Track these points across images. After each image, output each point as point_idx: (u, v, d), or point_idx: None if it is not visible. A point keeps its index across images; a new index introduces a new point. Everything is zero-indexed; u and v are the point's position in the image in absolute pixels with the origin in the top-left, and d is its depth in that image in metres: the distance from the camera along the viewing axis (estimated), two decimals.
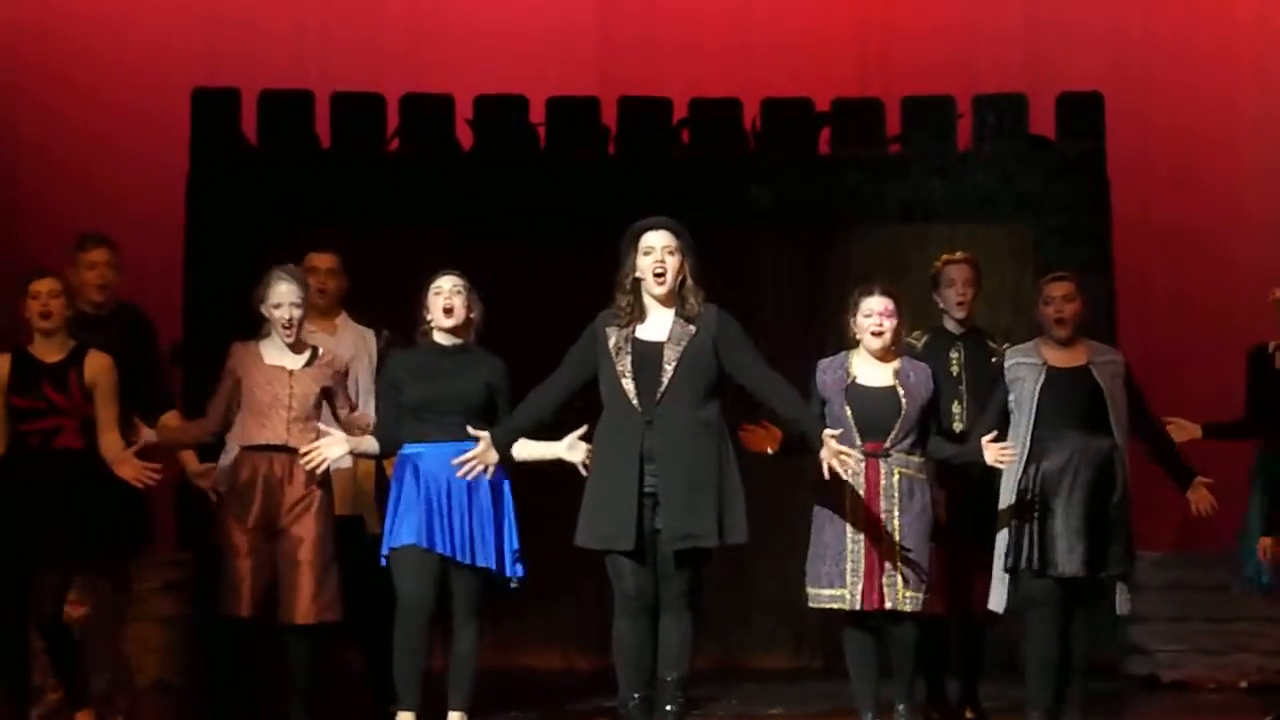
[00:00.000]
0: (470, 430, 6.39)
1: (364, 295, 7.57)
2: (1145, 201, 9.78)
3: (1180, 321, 7.90)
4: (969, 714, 7.30)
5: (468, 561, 6.51)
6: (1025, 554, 6.77)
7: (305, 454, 6.58)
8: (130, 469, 6.69)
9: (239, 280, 8.13)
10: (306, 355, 6.85)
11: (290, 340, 6.81)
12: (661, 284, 6.27)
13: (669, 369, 6.21)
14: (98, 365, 6.79)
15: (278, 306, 6.80)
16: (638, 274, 6.29)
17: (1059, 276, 7.05)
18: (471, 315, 6.67)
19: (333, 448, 6.57)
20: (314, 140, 9.38)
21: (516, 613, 7.01)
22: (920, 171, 9.36)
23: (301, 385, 6.78)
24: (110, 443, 6.76)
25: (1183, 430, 7.28)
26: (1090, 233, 9.21)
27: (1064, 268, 8.62)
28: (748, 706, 7.78)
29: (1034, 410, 6.82)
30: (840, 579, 6.56)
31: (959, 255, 7.42)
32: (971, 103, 9.45)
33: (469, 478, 6.37)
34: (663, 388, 6.20)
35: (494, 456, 6.32)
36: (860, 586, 6.52)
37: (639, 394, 6.21)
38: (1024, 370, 6.89)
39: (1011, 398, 6.89)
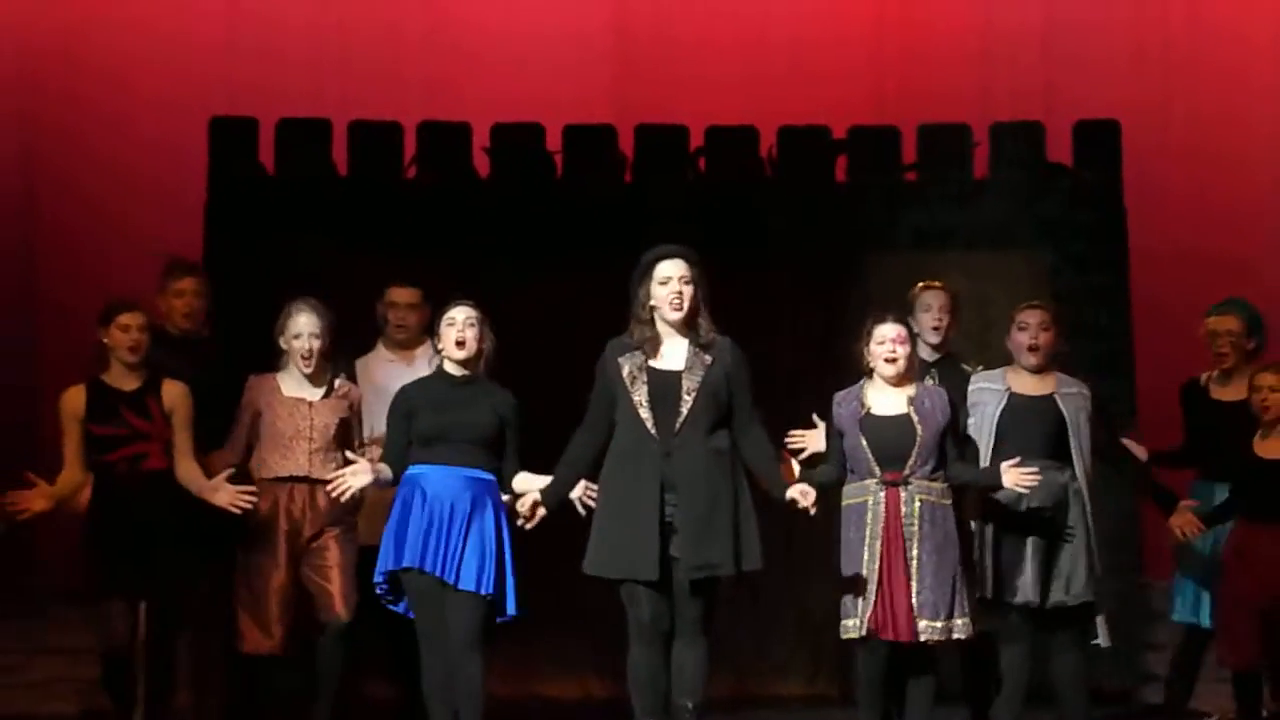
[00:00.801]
0: (517, 487, 6.48)
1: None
2: (1162, 229, 9.76)
3: (1198, 349, 7.87)
4: None
5: (465, 587, 6.46)
6: (985, 583, 6.81)
7: (332, 482, 6.57)
8: (224, 495, 6.72)
9: (257, 308, 8.19)
10: (324, 387, 6.86)
11: (308, 371, 6.83)
12: (678, 312, 6.29)
13: (688, 399, 6.24)
14: (175, 392, 6.88)
15: (297, 337, 6.84)
16: (653, 303, 6.31)
17: (1034, 305, 7.10)
18: (483, 346, 6.67)
19: (358, 476, 6.55)
20: (332, 168, 9.40)
21: (530, 640, 7.01)
22: (937, 199, 9.35)
23: (321, 416, 6.82)
24: (189, 470, 6.82)
25: (1135, 450, 7.29)
26: (1107, 260, 9.19)
27: (1081, 296, 8.68)
28: None
29: (992, 435, 6.86)
30: (854, 608, 6.56)
31: (935, 282, 7.40)
32: (988, 131, 9.45)
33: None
34: (682, 418, 6.24)
35: (543, 513, 6.37)
36: (869, 613, 6.52)
37: (657, 424, 6.23)
38: (986, 395, 6.94)
39: (971, 421, 6.90)
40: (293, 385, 6.86)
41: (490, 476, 6.59)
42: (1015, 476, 6.62)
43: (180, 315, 7.36)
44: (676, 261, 6.33)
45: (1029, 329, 6.99)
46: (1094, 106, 9.59)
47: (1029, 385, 6.96)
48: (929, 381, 7.03)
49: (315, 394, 6.86)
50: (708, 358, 6.29)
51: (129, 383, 6.84)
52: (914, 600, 6.53)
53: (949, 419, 6.69)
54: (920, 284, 7.40)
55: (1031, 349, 6.96)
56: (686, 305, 6.29)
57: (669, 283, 6.30)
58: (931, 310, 7.31)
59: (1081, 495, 6.88)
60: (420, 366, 7.40)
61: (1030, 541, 6.82)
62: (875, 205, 9.36)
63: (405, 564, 6.50)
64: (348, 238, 9.10)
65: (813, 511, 6.32)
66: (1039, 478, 6.66)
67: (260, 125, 9.36)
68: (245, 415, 6.86)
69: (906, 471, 6.59)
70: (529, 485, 6.55)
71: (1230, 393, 7.54)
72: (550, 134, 9.45)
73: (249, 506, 6.73)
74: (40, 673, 7.86)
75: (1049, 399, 6.92)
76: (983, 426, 6.91)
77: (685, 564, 6.20)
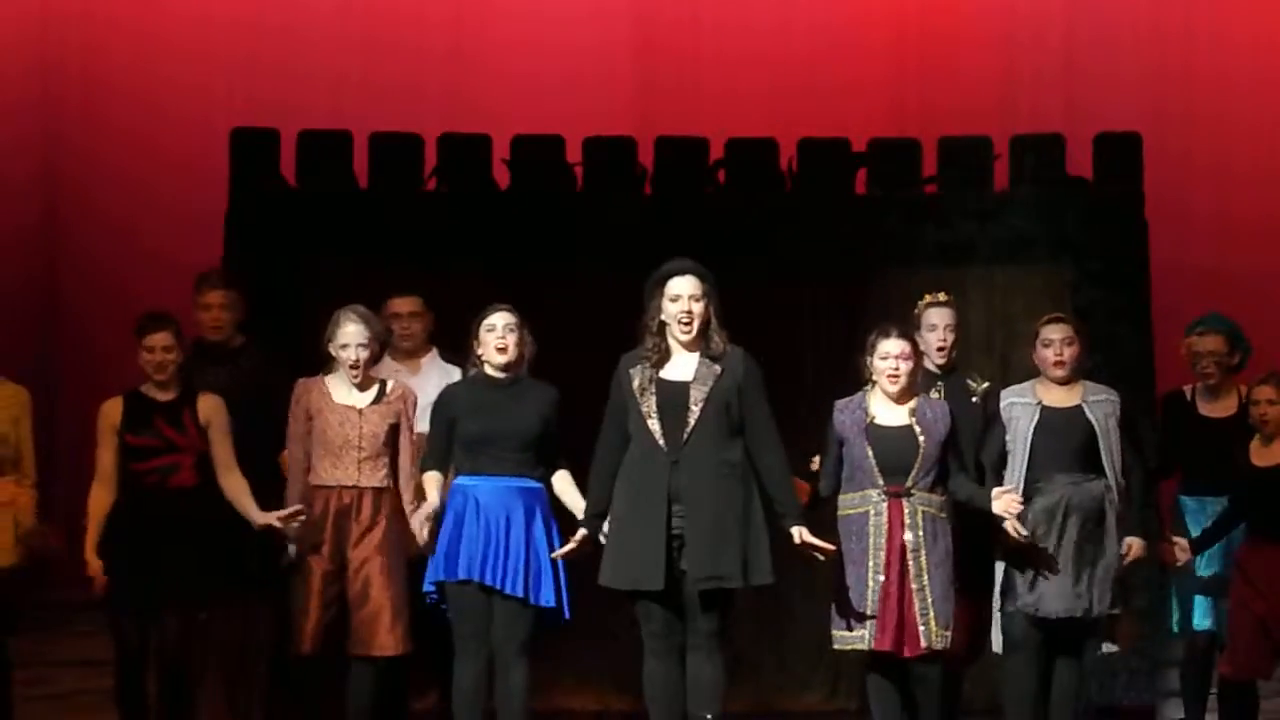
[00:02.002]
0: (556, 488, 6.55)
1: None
2: (1184, 243, 9.73)
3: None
4: None
5: (517, 594, 6.53)
6: (1016, 594, 6.82)
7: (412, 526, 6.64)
8: (270, 518, 6.74)
9: (278, 320, 8.21)
10: (374, 392, 6.91)
11: (356, 380, 6.88)
12: (687, 332, 6.33)
13: (695, 409, 6.26)
14: (210, 405, 6.93)
15: (344, 347, 6.89)
16: (663, 318, 6.34)
17: (1057, 318, 7.13)
18: (524, 351, 6.74)
19: (422, 526, 6.61)
20: (352, 180, 9.41)
21: (549, 653, 7.00)
22: (957, 213, 9.33)
23: (371, 424, 6.86)
24: (236, 485, 6.85)
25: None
26: (1128, 275, 9.16)
27: (1102, 310, 8.65)
28: None
29: (1028, 450, 6.88)
30: (860, 621, 6.56)
31: (941, 297, 7.29)
32: (1009, 144, 9.43)
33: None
34: (689, 428, 6.25)
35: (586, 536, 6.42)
36: (876, 626, 6.54)
37: (665, 434, 6.25)
38: (1019, 410, 6.96)
39: (1008, 438, 6.90)
40: (342, 392, 6.90)
41: (538, 485, 6.66)
42: (1005, 503, 6.64)
43: (209, 328, 7.43)
44: (688, 279, 6.35)
45: (1054, 344, 7.01)
46: (1115, 119, 9.57)
47: (1058, 398, 6.99)
48: (935, 395, 7.03)
49: (364, 400, 6.90)
50: (718, 369, 6.31)
51: (165, 395, 6.89)
52: (930, 611, 6.54)
53: (950, 431, 6.70)
54: (926, 300, 7.28)
55: (1058, 363, 6.98)
56: (696, 324, 6.32)
57: (679, 300, 6.33)
58: (937, 330, 7.19)
59: (1113, 505, 6.90)
60: (429, 373, 7.44)
61: (1064, 553, 6.82)
62: (895, 218, 9.34)
63: (461, 576, 6.56)
64: (368, 250, 9.11)
65: (821, 558, 6.36)
66: (1022, 506, 6.69)
67: (281, 138, 9.38)
68: (301, 420, 6.88)
69: (909, 483, 6.61)
70: (567, 495, 6.64)
71: (1219, 409, 7.52)
72: (570, 146, 9.46)
73: (298, 524, 6.76)
74: (63, 685, 7.88)
75: (1077, 409, 6.95)
76: (1016, 442, 6.94)
77: (693, 576, 6.22)
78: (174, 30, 10.06)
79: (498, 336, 6.69)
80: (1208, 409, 7.54)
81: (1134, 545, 6.99)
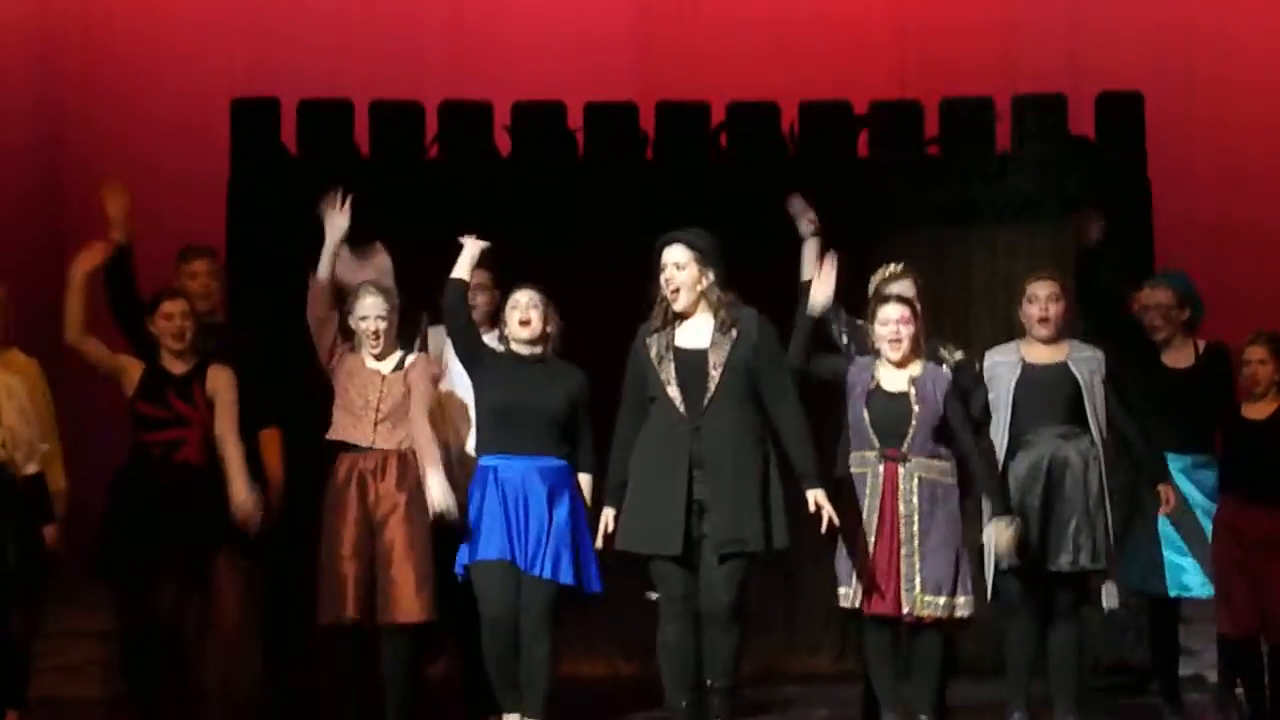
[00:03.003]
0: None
1: (402, 301, 7.59)
2: (1187, 201, 9.73)
3: (1223, 322, 7.85)
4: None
5: (547, 576, 6.60)
6: (1010, 558, 6.84)
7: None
8: (248, 504, 6.82)
9: (278, 289, 8.20)
10: (395, 360, 6.96)
11: (375, 351, 6.93)
12: (675, 300, 6.35)
13: (715, 375, 6.32)
14: (219, 377, 6.98)
15: (364, 319, 6.96)
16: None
17: (1044, 276, 7.12)
18: (549, 329, 6.82)
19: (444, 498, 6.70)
20: (354, 149, 9.40)
21: (558, 620, 7.04)
22: (960, 174, 9.33)
23: (392, 391, 6.88)
24: (232, 454, 6.90)
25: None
26: (1132, 233, 9.15)
27: (1107, 269, 8.63)
28: (792, 710, 7.77)
29: (1010, 407, 6.90)
30: (849, 579, 6.61)
31: (896, 269, 7.23)
32: (1011, 104, 9.41)
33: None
34: (709, 394, 6.31)
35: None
36: (864, 586, 6.60)
37: (685, 401, 6.27)
38: (1001, 369, 7.00)
39: (991, 396, 6.91)
40: (371, 360, 7.00)
41: (563, 463, 6.71)
42: (1001, 540, 6.69)
43: (197, 297, 7.40)
44: (674, 247, 6.43)
45: (1039, 301, 7.03)
46: (1118, 78, 9.55)
47: (1042, 355, 7.03)
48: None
49: (387, 368, 6.97)
50: (733, 333, 6.36)
51: (179, 366, 6.93)
52: (917, 577, 6.58)
53: (949, 405, 6.71)
54: (881, 273, 7.23)
55: (1042, 320, 7.01)
56: (684, 291, 6.37)
57: (665, 269, 6.41)
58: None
59: (1099, 461, 6.93)
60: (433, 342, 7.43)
61: (1052, 509, 6.86)
62: (898, 181, 9.34)
63: (488, 557, 6.62)
64: (370, 218, 9.08)
65: (826, 525, 6.39)
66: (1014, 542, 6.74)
67: (282, 107, 9.36)
68: (331, 354, 6.96)
69: (904, 449, 6.65)
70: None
71: (1177, 361, 7.50)
72: (571, 112, 9.45)
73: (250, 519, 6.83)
74: (70, 657, 7.90)
75: (1063, 366, 6.98)
76: (999, 399, 6.97)
77: (714, 540, 6.25)
78: None
79: (521, 312, 6.80)
80: (1166, 361, 7.52)
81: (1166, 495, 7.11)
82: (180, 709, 6.89)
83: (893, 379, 6.74)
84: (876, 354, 6.79)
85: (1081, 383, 6.96)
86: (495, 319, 7.27)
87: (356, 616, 6.80)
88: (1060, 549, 6.85)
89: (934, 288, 7.32)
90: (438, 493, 6.70)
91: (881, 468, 6.63)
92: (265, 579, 7.63)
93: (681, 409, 6.29)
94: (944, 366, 6.98)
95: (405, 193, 9.25)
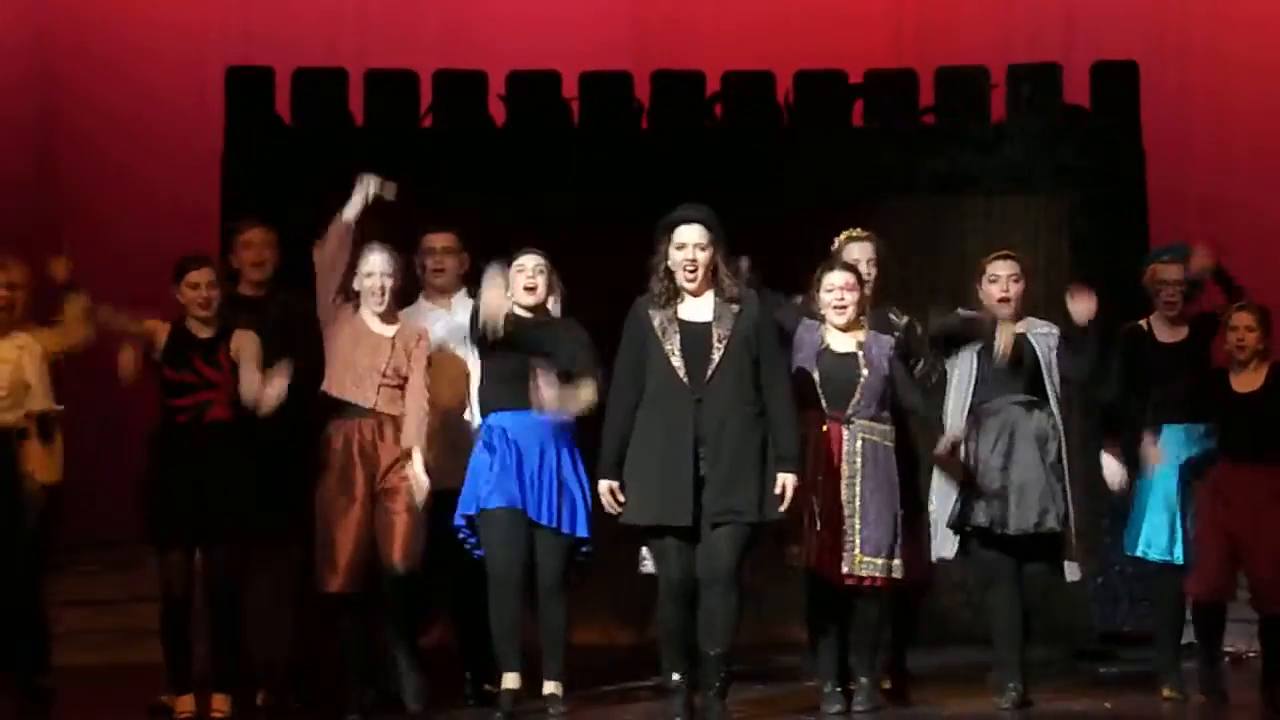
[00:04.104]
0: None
1: None
2: (1182, 171, 9.73)
3: (1218, 292, 7.85)
4: (885, 684, 7.15)
5: (565, 531, 6.67)
6: (974, 515, 6.91)
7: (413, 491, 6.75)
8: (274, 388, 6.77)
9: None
10: (398, 325, 6.98)
11: (380, 309, 6.92)
12: (692, 280, 6.44)
13: (719, 348, 6.37)
14: (243, 338, 6.94)
15: (369, 275, 6.93)
16: (669, 264, 6.43)
17: (1005, 255, 7.12)
18: (553, 292, 6.86)
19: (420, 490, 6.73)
20: (348, 118, 9.39)
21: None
22: (954, 143, 9.33)
23: (398, 356, 6.90)
24: (252, 381, 6.83)
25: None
26: (1126, 203, 9.17)
27: (1101, 240, 8.62)
28: (785, 679, 7.78)
29: (973, 379, 6.94)
30: (798, 534, 6.68)
31: (859, 232, 7.21)
32: (1006, 74, 9.41)
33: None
34: (713, 366, 6.36)
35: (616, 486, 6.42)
36: (810, 546, 6.65)
37: (689, 372, 6.32)
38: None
39: (955, 370, 7.01)
40: (375, 322, 6.97)
41: (569, 418, 6.70)
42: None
43: (250, 266, 7.34)
44: (694, 228, 6.43)
45: (1000, 281, 7.03)
46: (1112, 48, 9.54)
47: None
48: None
49: (391, 331, 6.95)
50: (735, 309, 6.41)
51: (205, 331, 6.93)
52: (857, 537, 6.66)
53: (893, 365, 6.80)
54: (845, 234, 7.22)
55: (1003, 300, 7.01)
56: (700, 272, 6.41)
57: (684, 249, 6.42)
58: (860, 264, 7.09)
59: (1058, 431, 6.98)
60: (458, 311, 7.39)
61: (1015, 473, 6.91)
62: (893, 150, 9.34)
63: (494, 505, 6.63)
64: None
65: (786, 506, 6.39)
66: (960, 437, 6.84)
67: (276, 76, 9.35)
68: (335, 316, 6.94)
69: (850, 411, 6.72)
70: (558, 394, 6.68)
71: (1174, 335, 7.50)
72: (566, 81, 9.44)
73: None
74: (65, 625, 7.90)
75: (1022, 339, 6.97)
76: (962, 372, 7.01)
77: (711, 510, 6.30)
78: None
79: (527, 277, 6.83)
80: (1165, 336, 7.53)
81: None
82: (224, 670, 6.89)
83: (842, 340, 6.83)
84: (823, 319, 6.83)
85: (1041, 357, 6.99)
86: (465, 281, 7.27)
87: (353, 589, 6.80)
88: (1025, 512, 6.88)
89: (929, 255, 7.32)
90: (421, 480, 6.73)
91: (826, 429, 6.71)
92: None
93: (685, 380, 6.34)
94: (895, 333, 7.01)
95: (400, 162, 9.22)
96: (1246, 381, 7.13)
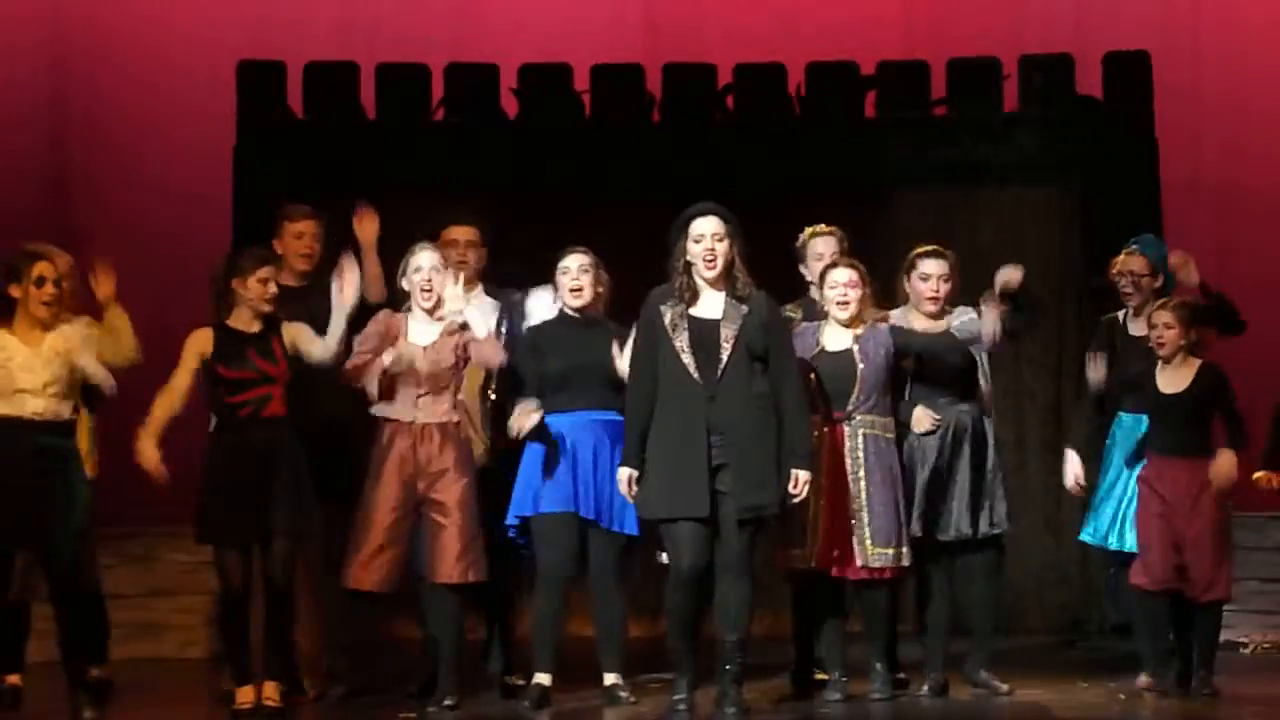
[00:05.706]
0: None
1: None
2: (1194, 162, 9.72)
3: (1229, 282, 7.84)
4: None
5: (618, 529, 6.77)
6: (914, 520, 6.92)
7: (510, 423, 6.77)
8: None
9: None
10: (439, 327, 6.94)
11: (429, 305, 6.90)
12: (712, 269, 6.49)
13: (728, 345, 6.44)
14: (294, 329, 6.92)
15: (418, 270, 6.91)
16: (689, 258, 6.48)
17: (935, 252, 7.10)
18: (599, 290, 6.90)
19: (528, 418, 6.73)
20: (360, 112, 9.41)
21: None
22: (966, 134, 9.33)
23: (434, 360, 6.88)
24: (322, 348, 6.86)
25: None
26: (1138, 194, 9.16)
27: (1113, 230, 8.59)
28: (763, 672, 7.78)
29: (908, 376, 6.98)
30: (801, 538, 6.74)
31: (824, 228, 7.23)
32: (1018, 64, 9.41)
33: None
34: (723, 363, 6.43)
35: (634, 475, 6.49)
36: (818, 547, 6.74)
37: (699, 369, 6.39)
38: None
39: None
40: (415, 328, 6.94)
41: (620, 417, 6.70)
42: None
43: (298, 257, 7.34)
44: (711, 219, 6.49)
45: (931, 279, 7.02)
46: (1124, 38, 9.53)
47: (931, 327, 7.04)
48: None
49: (431, 336, 6.92)
50: (744, 308, 6.48)
51: (254, 327, 6.92)
52: (866, 530, 6.73)
53: (892, 358, 6.85)
54: (809, 230, 7.25)
55: (932, 299, 7.01)
56: (720, 262, 6.46)
57: (703, 240, 6.48)
58: (823, 258, 7.12)
59: (990, 429, 7.04)
60: (484, 305, 7.37)
61: (954, 477, 6.96)
62: (904, 141, 9.34)
63: (547, 510, 6.73)
64: (377, 181, 9.10)
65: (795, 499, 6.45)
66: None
67: (288, 69, 9.37)
68: (373, 338, 6.89)
69: (850, 408, 6.80)
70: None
71: (1140, 328, 7.53)
72: (578, 74, 9.44)
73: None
74: None
75: (948, 336, 7.00)
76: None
77: (733, 504, 6.37)
78: None
79: (572, 278, 6.87)
80: (1134, 328, 7.55)
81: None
82: (278, 662, 6.90)
83: (837, 339, 6.87)
84: (824, 317, 6.84)
85: (974, 353, 7.01)
86: (485, 276, 7.26)
87: (378, 590, 6.82)
88: (968, 514, 6.91)
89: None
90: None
91: (828, 430, 6.78)
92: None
93: (696, 376, 6.39)
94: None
95: (411, 156, 9.26)
96: (1171, 380, 7.11)
